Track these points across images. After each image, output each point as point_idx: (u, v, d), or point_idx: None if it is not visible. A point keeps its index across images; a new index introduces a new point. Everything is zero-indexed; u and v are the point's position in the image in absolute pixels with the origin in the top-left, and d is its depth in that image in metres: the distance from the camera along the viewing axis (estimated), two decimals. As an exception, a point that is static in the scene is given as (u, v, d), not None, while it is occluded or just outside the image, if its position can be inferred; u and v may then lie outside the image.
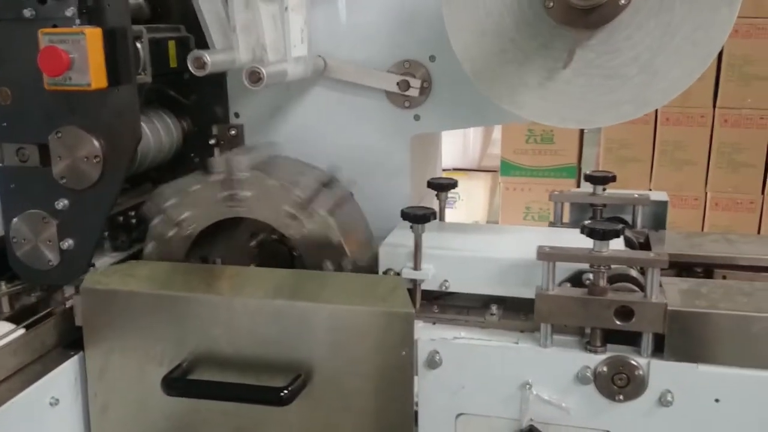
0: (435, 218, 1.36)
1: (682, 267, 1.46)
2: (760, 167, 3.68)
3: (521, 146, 4.20)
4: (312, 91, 1.63)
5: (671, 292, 1.23)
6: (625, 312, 1.20)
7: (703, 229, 3.77)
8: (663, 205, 1.59)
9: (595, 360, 1.22)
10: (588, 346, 1.24)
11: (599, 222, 1.25)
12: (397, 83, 1.54)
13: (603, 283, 1.21)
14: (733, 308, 1.18)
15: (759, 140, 3.64)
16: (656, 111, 3.77)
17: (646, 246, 1.49)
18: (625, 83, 1.25)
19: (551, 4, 1.20)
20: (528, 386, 1.25)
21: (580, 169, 4.40)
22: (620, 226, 1.20)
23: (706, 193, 3.76)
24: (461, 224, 1.63)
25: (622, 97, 1.26)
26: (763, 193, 3.69)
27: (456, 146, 4.67)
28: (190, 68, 1.36)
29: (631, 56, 1.24)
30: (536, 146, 4.18)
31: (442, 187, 1.60)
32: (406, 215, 1.35)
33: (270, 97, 1.63)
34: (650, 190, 3.86)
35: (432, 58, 1.53)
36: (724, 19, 1.19)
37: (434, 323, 1.37)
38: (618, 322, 1.20)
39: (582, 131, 4.25)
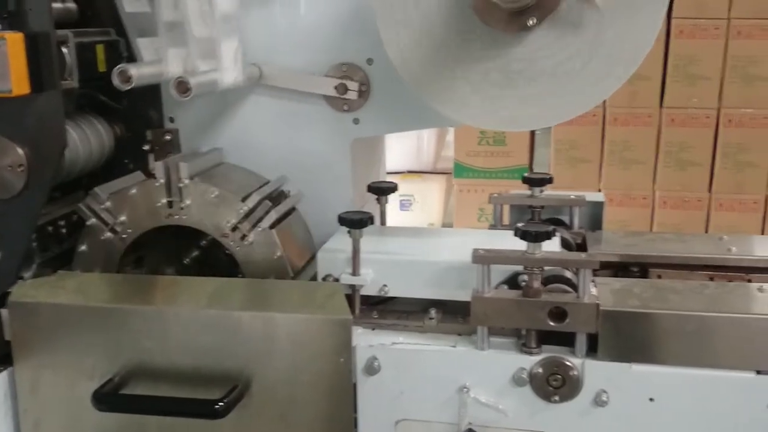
0: (372, 223, 1.35)
1: (618, 267, 1.47)
2: (707, 165, 3.76)
3: (474, 148, 4.23)
4: (250, 98, 1.61)
5: (604, 293, 1.25)
6: (558, 313, 1.20)
7: (652, 228, 3.84)
8: (599, 205, 1.61)
9: (530, 361, 1.23)
10: (523, 348, 1.24)
11: (532, 224, 1.26)
12: (335, 87, 1.53)
13: (537, 284, 1.22)
14: (664, 307, 1.19)
15: (705, 139, 3.73)
16: (604, 112, 3.83)
17: (583, 246, 1.51)
18: (562, 84, 1.26)
19: (492, 16, 1.20)
20: (465, 389, 1.25)
21: (532, 170, 4.45)
22: (551, 228, 1.21)
23: (655, 191, 3.83)
24: (402, 228, 1.62)
25: (558, 98, 1.27)
26: (710, 190, 3.77)
27: (410, 149, 4.68)
28: (115, 82, 1.33)
29: (564, 57, 1.24)
30: (489, 148, 4.21)
31: (383, 191, 1.59)
32: (343, 220, 1.34)
33: (206, 102, 1.60)
34: (600, 190, 3.93)
35: (370, 61, 1.53)
36: (651, 21, 1.20)
37: (374, 329, 1.36)
38: (551, 323, 1.21)
39: (533, 133, 4.29)
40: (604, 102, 3.82)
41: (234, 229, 1.41)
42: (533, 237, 1.20)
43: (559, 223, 1.60)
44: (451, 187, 4.52)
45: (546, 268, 1.27)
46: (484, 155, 4.25)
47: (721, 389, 1.16)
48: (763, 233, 3.73)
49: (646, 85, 3.74)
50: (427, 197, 4.80)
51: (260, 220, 1.41)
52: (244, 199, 1.41)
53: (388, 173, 5.38)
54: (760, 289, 1.23)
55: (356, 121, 1.56)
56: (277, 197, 1.51)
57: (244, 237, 1.41)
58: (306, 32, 1.55)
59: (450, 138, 4.60)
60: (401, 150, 4.69)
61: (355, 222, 1.32)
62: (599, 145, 3.90)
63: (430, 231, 1.61)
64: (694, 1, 3.60)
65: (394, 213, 4.98)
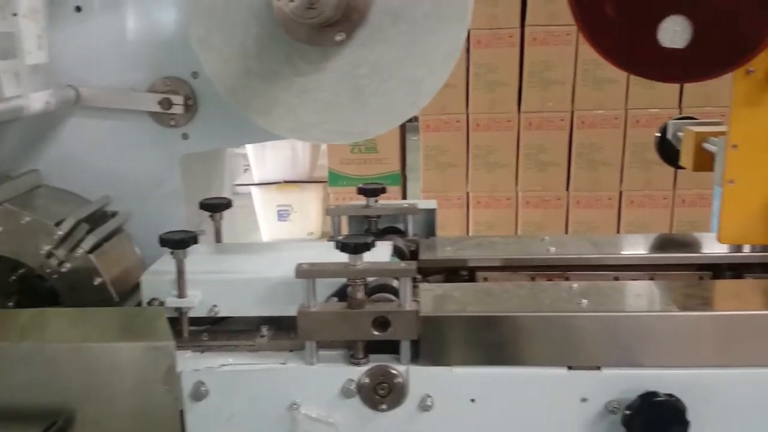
0: (196, 242, 1.31)
1: (449, 271, 1.52)
2: (564, 165, 3.96)
3: (347, 156, 4.25)
4: (70, 120, 1.53)
5: (426, 299, 1.27)
6: (382, 322, 1.22)
7: (516, 227, 4.00)
8: (432, 212, 1.65)
9: (358, 372, 1.23)
10: (351, 359, 1.24)
11: (352, 236, 1.27)
12: (159, 102, 1.48)
13: (361, 295, 1.23)
14: (479, 310, 1.23)
15: (560, 140, 3.93)
16: (467, 118, 3.95)
17: (416, 253, 1.54)
18: (380, 95, 1.27)
19: (299, 32, 1.19)
20: (296, 406, 1.24)
21: (404, 177, 4.53)
22: (371, 238, 1.22)
23: (518, 192, 3.99)
24: (237, 245, 1.59)
25: (379, 108, 1.28)
26: (567, 189, 3.98)
27: (285, 158, 4.64)
28: None
29: (378, 69, 1.26)
30: (361, 155, 4.25)
31: (215, 207, 1.56)
32: (164, 241, 1.29)
33: (21, 125, 1.50)
34: (468, 193, 4.06)
35: (195, 75, 1.49)
36: (455, 34, 1.24)
37: (203, 352, 1.32)
38: (376, 333, 1.22)
39: (403, 139, 4.37)
40: (467, 108, 3.96)
41: (49, 255, 1.33)
42: (353, 249, 1.20)
43: (395, 231, 1.63)
44: (328, 195, 4.52)
45: (372, 278, 1.29)
46: (358, 163, 4.28)
47: (537, 386, 1.22)
48: (618, 228, 3.97)
49: (505, 91, 3.90)
50: (306, 207, 4.78)
51: (78, 244, 1.34)
52: (58, 224, 1.34)
53: (264, 184, 5.30)
54: (573, 288, 1.30)
55: (185, 136, 1.52)
56: (99, 219, 1.44)
57: (61, 264, 1.33)
58: (125, 48, 1.49)
59: (325, 146, 4.61)
60: (276, 160, 4.65)
61: (177, 242, 1.28)
62: (465, 150, 4.02)
63: (266, 246, 1.59)
64: (546, 8, 3.79)
65: (273, 224, 4.96)
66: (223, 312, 1.34)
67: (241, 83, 1.29)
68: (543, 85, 3.87)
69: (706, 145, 1.46)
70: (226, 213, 1.63)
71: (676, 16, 1.15)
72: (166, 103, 1.48)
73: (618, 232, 3.93)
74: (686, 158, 1.54)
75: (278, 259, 1.45)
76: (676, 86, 3.77)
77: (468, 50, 3.91)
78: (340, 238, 1.23)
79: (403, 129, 4.37)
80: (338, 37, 1.18)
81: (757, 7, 1.23)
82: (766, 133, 1.33)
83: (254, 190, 4.74)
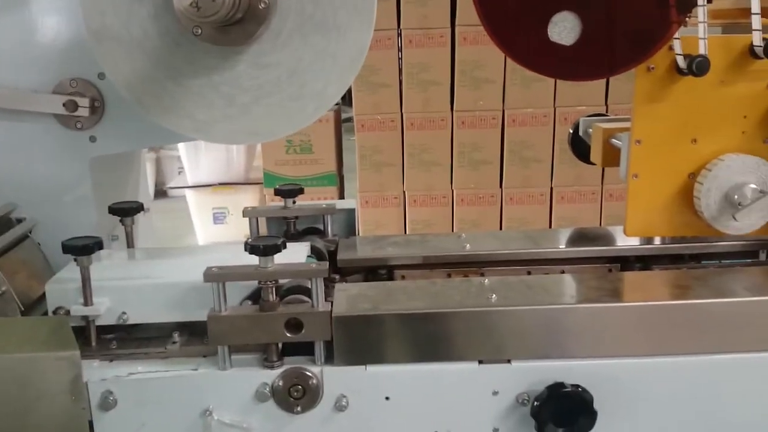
0: (101, 248, 1.28)
1: (368, 270, 1.52)
2: (496, 163, 4.02)
3: (282, 157, 4.21)
4: (-31, 122, 1.46)
5: (340, 299, 1.27)
6: (295, 324, 1.21)
7: (452, 225, 4.05)
8: (351, 212, 1.65)
9: (271, 375, 1.22)
10: (265, 363, 1.23)
11: (261, 238, 1.25)
12: (63, 104, 1.43)
13: (273, 298, 1.21)
14: (391, 308, 1.23)
15: (493, 139, 3.99)
16: (401, 117, 3.97)
17: (335, 253, 1.53)
18: (287, 96, 1.26)
19: (199, 30, 1.17)
20: (208, 413, 1.22)
21: (341, 177, 4.52)
22: (281, 240, 1.21)
23: (453, 190, 4.04)
24: (149, 250, 1.55)
25: (285, 107, 1.27)
26: (501, 186, 4.04)
27: (219, 160, 4.57)
28: None
29: (289, 66, 1.25)
30: (296, 156, 4.22)
31: (125, 212, 1.52)
32: (66, 247, 1.25)
33: None
34: (404, 192, 4.08)
35: (101, 76, 1.44)
36: (361, 37, 1.24)
37: (111, 360, 1.28)
38: (289, 335, 1.21)
39: (339, 139, 4.36)
40: (401, 108, 3.98)
41: (-59, 265, 1.27)
42: (262, 251, 1.19)
43: (315, 231, 1.62)
44: (264, 197, 4.47)
45: (286, 280, 1.28)
46: (293, 164, 4.25)
47: (450, 381, 1.23)
48: (550, 223, 4.06)
49: (438, 90, 3.94)
50: (242, 209, 4.70)
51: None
52: (-46, 233, 1.28)
53: (198, 186, 5.20)
54: (483, 284, 1.32)
55: (93, 138, 1.48)
56: (3, 226, 1.38)
57: (-45, 274, 1.27)
58: (29, 48, 1.44)
59: (260, 148, 4.56)
60: (210, 162, 4.57)
61: (80, 248, 1.24)
62: (400, 149, 4.04)
63: (179, 250, 1.56)
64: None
65: (209, 227, 4.88)
66: (132, 319, 1.30)
67: (139, 79, 1.25)
68: (474, 84, 3.92)
69: (614, 141, 1.50)
70: (157, 217, 1.59)
71: (567, 12, 1.18)
72: (72, 105, 1.43)
73: (550, 227, 4.02)
74: (595, 154, 1.58)
75: (190, 263, 1.42)
76: (603, 84, 3.88)
77: (400, 50, 3.94)
78: (249, 240, 1.21)
79: (338, 129, 4.36)
80: (241, 38, 1.16)
81: (655, 6, 1.27)
82: (667, 128, 1.38)
83: (188, 192, 4.65)
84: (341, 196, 4.47)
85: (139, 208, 1.53)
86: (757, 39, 1.32)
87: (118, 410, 1.21)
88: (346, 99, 4.47)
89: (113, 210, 1.51)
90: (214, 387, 1.23)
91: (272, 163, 4.23)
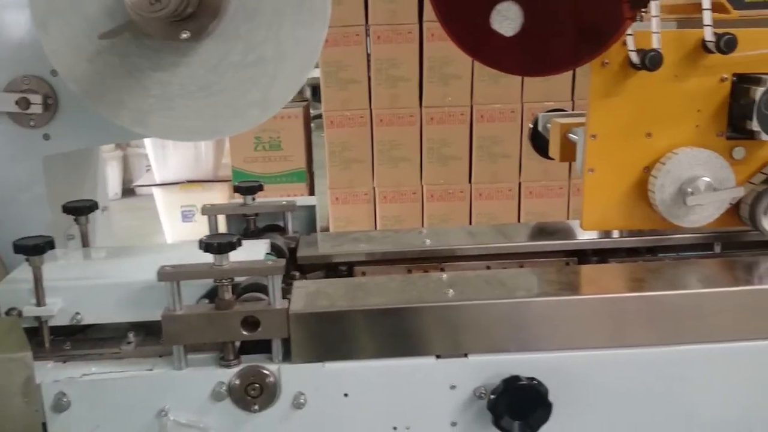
0: (52, 247, 1.26)
1: (329, 267, 1.51)
2: (465, 159, 4.04)
3: (251, 154, 4.18)
4: None
5: (298, 296, 1.26)
6: (252, 322, 1.20)
7: (422, 220, 4.06)
8: (312, 209, 1.64)
9: (228, 374, 1.21)
10: (222, 362, 1.22)
11: (216, 236, 1.24)
12: (16, 102, 1.40)
13: (228, 296, 1.20)
14: (348, 305, 1.23)
15: (461, 134, 4.00)
16: (370, 114, 3.97)
17: (295, 250, 1.53)
18: (246, 89, 1.25)
19: (149, 26, 1.15)
20: (164, 413, 1.20)
21: (311, 173, 4.50)
22: (236, 237, 1.20)
23: (422, 186, 4.04)
24: (105, 249, 1.53)
25: (236, 105, 1.26)
26: (470, 182, 4.06)
27: (188, 157, 4.52)
28: None
29: (240, 63, 1.23)
30: (265, 153, 4.19)
31: (79, 210, 1.49)
32: (17, 247, 1.23)
33: None
34: (374, 188, 4.07)
35: (54, 73, 1.41)
36: (315, 34, 1.23)
37: (65, 361, 1.26)
38: (245, 333, 1.20)
39: (308, 135, 4.34)
40: (370, 104, 3.97)
41: None
42: (216, 248, 1.18)
43: (276, 229, 1.61)
44: (233, 194, 4.44)
45: (244, 278, 1.27)
46: (262, 160, 4.22)
47: (408, 376, 1.23)
48: (519, 218, 4.09)
49: (406, 86, 3.94)
50: (210, 207, 4.66)
51: None
52: None
53: (166, 184, 5.14)
54: (442, 279, 1.32)
55: (46, 136, 1.45)
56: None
57: None
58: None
59: (228, 144, 4.52)
60: (178, 159, 4.52)
61: (31, 248, 1.22)
62: (369, 145, 4.03)
63: (137, 249, 1.53)
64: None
65: (177, 226, 4.83)
66: (86, 319, 1.28)
67: (84, 71, 1.23)
68: (443, 81, 3.93)
69: (571, 136, 1.51)
70: (125, 215, 1.57)
71: (511, 3, 1.18)
72: (24, 103, 1.41)
73: (519, 221, 4.04)
74: (554, 149, 1.59)
75: (146, 261, 1.41)
76: (569, 79, 3.92)
77: (368, 46, 3.93)
78: (203, 237, 1.20)
79: (308, 125, 4.34)
80: (184, 35, 1.15)
81: (608, 2, 1.28)
82: (622, 122, 1.39)
83: (156, 190, 4.59)
84: (311, 193, 4.45)
85: (93, 206, 1.51)
86: (708, 34, 1.34)
87: (72, 412, 1.19)
88: (317, 95, 4.45)
89: (67, 209, 1.48)
90: (169, 387, 1.21)
91: (241, 160, 4.20)
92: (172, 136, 1.28)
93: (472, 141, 4.00)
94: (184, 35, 1.12)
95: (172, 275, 1.19)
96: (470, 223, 4.03)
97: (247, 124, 1.27)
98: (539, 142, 1.68)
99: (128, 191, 5.79)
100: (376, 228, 4.08)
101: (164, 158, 4.43)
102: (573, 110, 1.76)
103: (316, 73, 4.15)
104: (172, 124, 1.26)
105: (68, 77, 1.24)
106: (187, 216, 4.61)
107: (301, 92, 4.51)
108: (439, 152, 4.01)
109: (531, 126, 1.71)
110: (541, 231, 1.63)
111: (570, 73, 3.83)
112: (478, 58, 1.34)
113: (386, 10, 3.84)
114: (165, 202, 4.60)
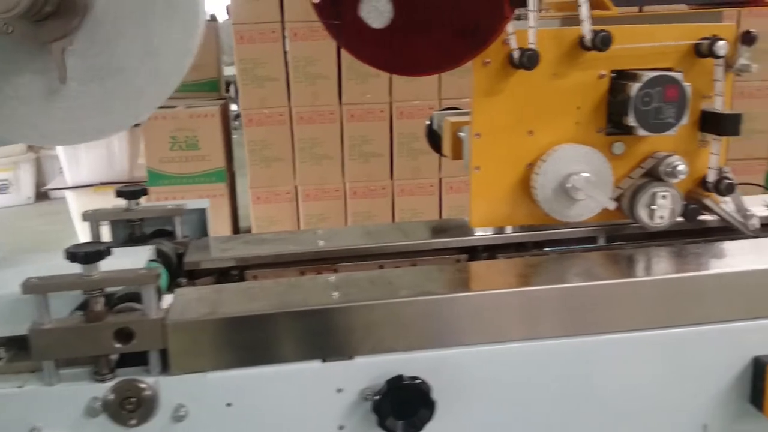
0: None
1: (220, 272, 1.48)
2: (386, 155, 4.05)
3: (167, 154, 4.07)
4: None
5: (177, 304, 1.22)
6: (126, 333, 1.15)
7: (346, 218, 4.04)
8: (202, 212, 1.60)
9: (102, 389, 1.16)
10: (95, 376, 1.17)
11: (83, 245, 1.19)
12: None
13: (99, 307, 1.16)
14: (229, 311, 1.20)
15: (382, 131, 4.01)
16: (290, 111, 3.93)
17: (184, 256, 1.48)
18: (126, 86, 1.20)
19: (11, 29, 1.10)
20: (36, 431, 1.15)
21: (232, 173, 4.42)
22: (105, 246, 1.15)
23: (345, 183, 4.03)
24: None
25: (129, 99, 1.21)
26: (391, 178, 4.07)
27: (101, 159, 4.36)
28: None
29: (110, 62, 1.18)
30: (182, 153, 4.09)
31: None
32: None
33: None
34: (296, 186, 4.04)
35: None
36: (190, 31, 1.19)
37: (-74, 382, 1.19)
38: (119, 345, 1.15)
39: (228, 135, 4.26)
40: (289, 102, 3.93)
41: None
42: (83, 258, 1.13)
43: (166, 234, 1.56)
44: (150, 195, 4.31)
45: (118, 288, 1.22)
46: (179, 161, 4.12)
47: (293, 382, 1.21)
48: (440, 213, 4.13)
49: (325, 83, 3.92)
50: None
51: None
52: None
53: (79, 187, 4.94)
54: (328, 280, 1.31)
55: None
56: None
57: None
58: None
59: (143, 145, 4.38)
60: (91, 160, 4.36)
61: None
62: (290, 143, 3.99)
63: (11, 260, 1.46)
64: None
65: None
66: (-48, 336, 1.21)
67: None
68: (361, 78, 3.92)
69: (460, 134, 1.52)
70: (39, 220, 1.48)
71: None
72: None
73: (440, 216, 4.08)
74: (446, 147, 1.60)
75: (21, 272, 1.34)
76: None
77: (285, 43, 3.88)
78: (68, 247, 1.14)
79: (226, 124, 4.26)
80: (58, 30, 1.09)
81: (487, 1, 1.29)
82: (505, 120, 1.41)
83: (68, 194, 4.41)
84: (232, 193, 4.38)
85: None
86: (586, 31, 1.37)
87: (-67, 436, 1.13)
88: (236, 94, 4.37)
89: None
90: (40, 404, 1.16)
91: (156, 160, 4.09)
92: (32, 140, 1.22)
93: (393, 137, 4.01)
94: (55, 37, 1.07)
95: (37, 287, 1.13)
96: (393, 220, 4.05)
97: (126, 122, 1.22)
98: (435, 140, 1.69)
99: (42, 195, 5.55)
100: (299, 227, 4.04)
101: (76, 160, 4.26)
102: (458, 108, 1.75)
103: (232, 70, 4.07)
104: (35, 126, 1.20)
105: None
106: (103, 219, 4.44)
107: (218, 90, 4.41)
108: (361, 149, 4.00)
109: (427, 123, 1.71)
110: (439, 228, 1.64)
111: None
112: (365, 60, 1.32)
113: (303, 7, 3.80)
114: (79, 206, 4.42)
